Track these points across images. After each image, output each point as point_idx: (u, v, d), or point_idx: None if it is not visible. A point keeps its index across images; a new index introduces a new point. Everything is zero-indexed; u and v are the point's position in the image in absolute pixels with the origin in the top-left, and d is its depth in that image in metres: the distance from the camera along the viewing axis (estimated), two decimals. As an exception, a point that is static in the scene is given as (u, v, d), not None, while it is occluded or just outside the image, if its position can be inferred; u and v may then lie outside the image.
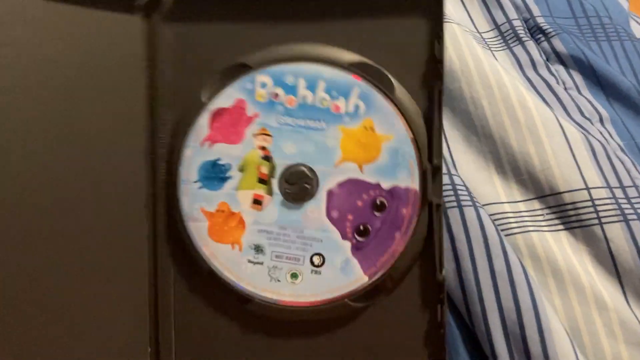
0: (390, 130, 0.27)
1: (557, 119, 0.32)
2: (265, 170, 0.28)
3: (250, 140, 0.28)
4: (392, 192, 0.27)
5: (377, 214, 0.28)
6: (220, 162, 0.28)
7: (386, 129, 0.27)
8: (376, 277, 0.28)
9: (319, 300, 0.28)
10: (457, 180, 0.31)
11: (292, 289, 0.28)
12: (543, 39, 0.37)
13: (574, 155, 0.32)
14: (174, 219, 0.28)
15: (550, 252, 0.30)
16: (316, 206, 0.28)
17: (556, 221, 0.31)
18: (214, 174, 0.28)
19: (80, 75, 0.27)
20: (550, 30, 0.37)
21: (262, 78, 0.28)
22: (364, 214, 0.28)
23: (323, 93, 0.28)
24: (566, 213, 0.31)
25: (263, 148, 0.28)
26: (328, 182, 0.28)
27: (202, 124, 0.28)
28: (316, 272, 0.28)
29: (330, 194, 0.28)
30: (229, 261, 0.28)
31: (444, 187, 0.30)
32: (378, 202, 0.28)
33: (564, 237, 0.31)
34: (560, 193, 0.31)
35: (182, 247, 0.28)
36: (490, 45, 0.37)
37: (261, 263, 0.28)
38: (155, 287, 0.29)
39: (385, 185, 0.27)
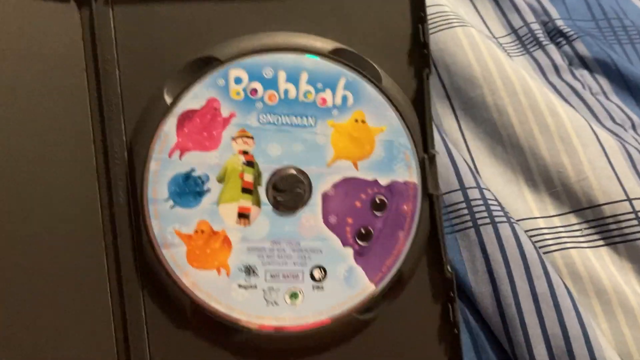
0: (383, 122, 0.25)
1: (590, 126, 0.30)
2: (249, 177, 0.24)
3: (228, 144, 0.24)
4: (391, 188, 0.25)
5: (377, 213, 0.25)
6: (195, 174, 0.24)
7: (378, 120, 0.25)
8: (383, 283, 0.25)
9: (324, 319, 0.24)
10: (487, 194, 0.28)
11: (293, 311, 0.24)
12: (564, 42, 0.34)
13: (611, 165, 0.29)
14: (142, 248, 0.23)
15: (593, 270, 0.28)
16: (311, 213, 0.25)
17: (596, 236, 0.29)
18: (188, 188, 0.24)
19: (9, 84, 0.22)
20: (572, 33, 0.35)
21: (236, 72, 0.24)
22: (364, 215, 0.25)
23: (307, 85, 0.25)
24: (607, 227, 0.29)
25: (244, 152, 0.24)
26: (322, 184, 0.25)
27: (168, 130, 0.24)
28: (318, 287, 0.25)
29: (325, 197, 0.25)
30: (216, 289, 0.24)
31: (475, 203, 0.28)
32: (377, 200, 0.25)
33: (605, 253, 0.29)
34: (599, 205, 0.29)
35: (155, 280, 0.24)
36: (507, 51, 0.34)
37: (254, 286, 0.24)
38: (125, 334, 0.23)
39: (383, 181, 0.25)
